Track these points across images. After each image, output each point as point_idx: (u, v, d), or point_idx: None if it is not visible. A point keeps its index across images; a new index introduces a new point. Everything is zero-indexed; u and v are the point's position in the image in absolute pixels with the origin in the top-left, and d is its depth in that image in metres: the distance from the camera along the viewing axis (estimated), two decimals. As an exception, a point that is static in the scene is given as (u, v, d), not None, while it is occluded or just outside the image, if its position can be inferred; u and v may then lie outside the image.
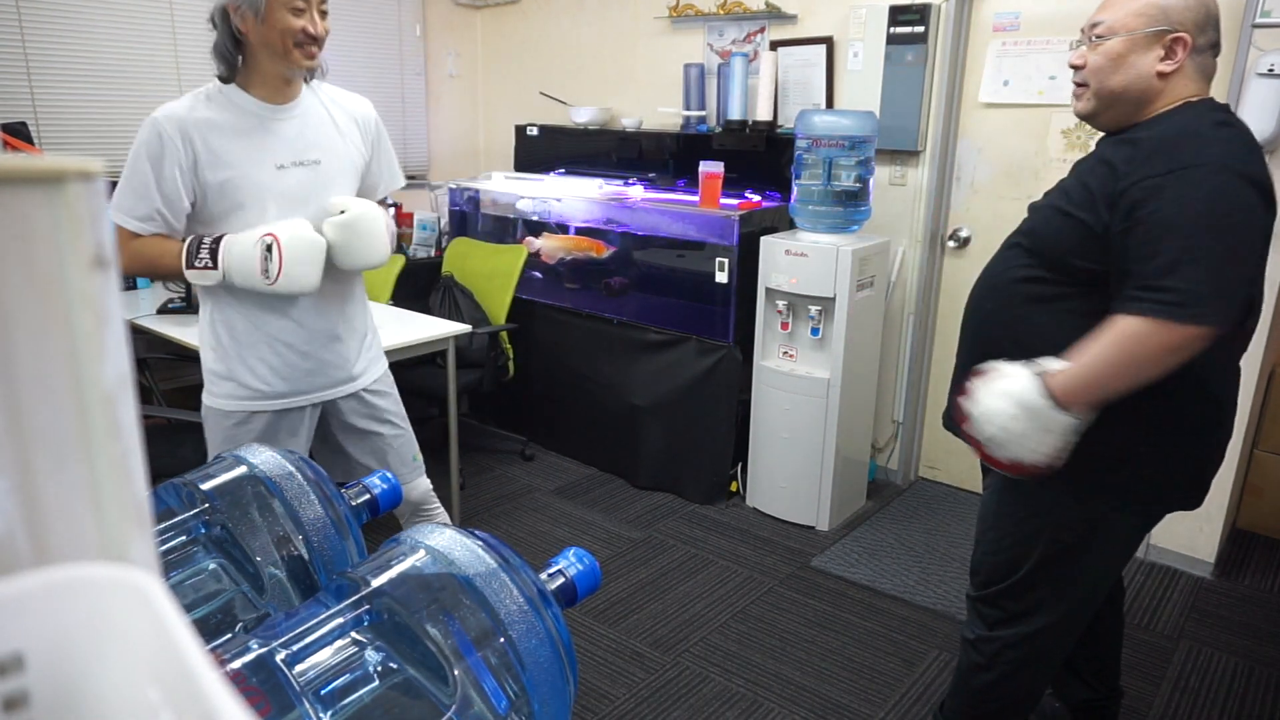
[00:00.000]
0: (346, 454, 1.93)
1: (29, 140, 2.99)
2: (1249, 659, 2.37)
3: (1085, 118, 1.48)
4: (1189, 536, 2.82)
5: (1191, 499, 1.51)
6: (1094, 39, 1.42)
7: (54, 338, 0.29)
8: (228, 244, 1.60)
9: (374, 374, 1.93)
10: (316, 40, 1.63)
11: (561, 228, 3.56)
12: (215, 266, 1.59)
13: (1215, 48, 1.41)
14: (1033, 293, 1.47)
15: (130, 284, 3.28)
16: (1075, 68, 1.46)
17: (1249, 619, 2.57)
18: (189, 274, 1.61)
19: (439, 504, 2.09)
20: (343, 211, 1.69)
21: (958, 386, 1.54)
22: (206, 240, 1.62)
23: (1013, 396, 1.36)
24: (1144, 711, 2.16)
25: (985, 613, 1.65)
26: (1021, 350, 1.45)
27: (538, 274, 3.70)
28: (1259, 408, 2.87)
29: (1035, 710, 2.08)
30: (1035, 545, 1.54)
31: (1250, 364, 2.62)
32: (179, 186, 1.60)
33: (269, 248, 1.57)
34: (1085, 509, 1.49)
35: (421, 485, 2.04)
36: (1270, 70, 2.39)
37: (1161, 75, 1.37)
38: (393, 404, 1.96)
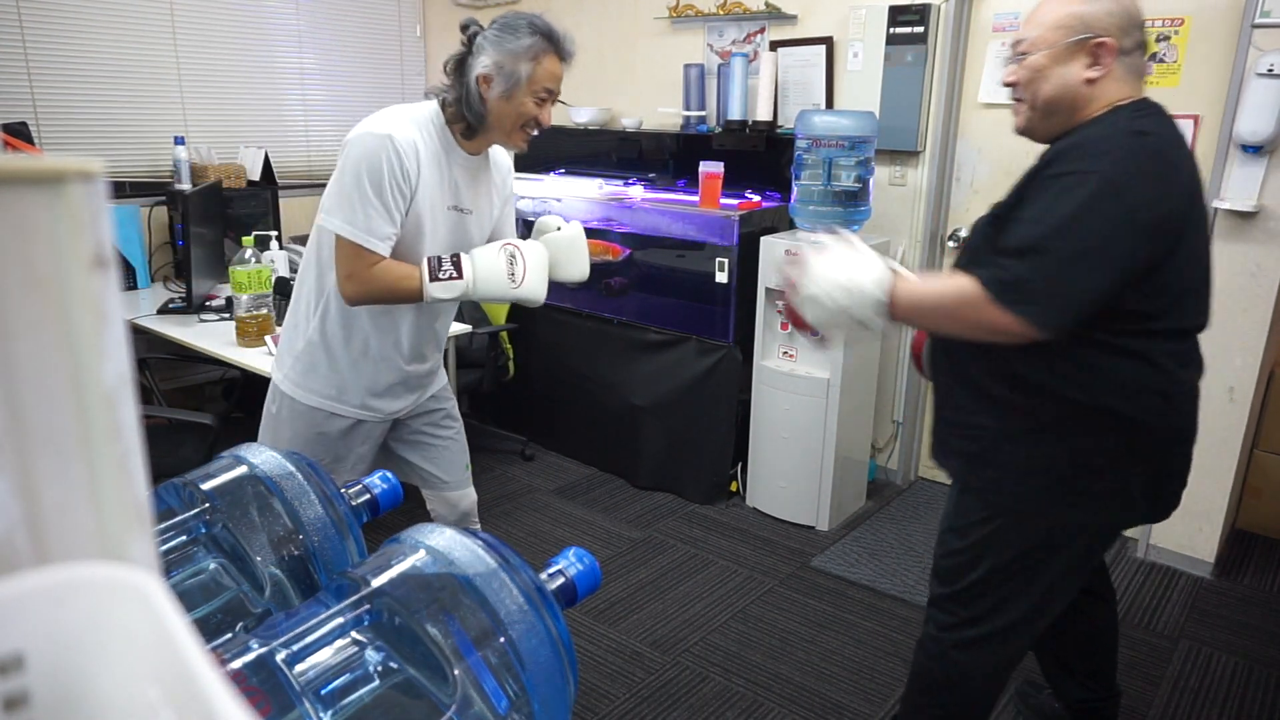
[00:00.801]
0: (399, 457, 1.97)
1: (29, 140, 2.99)
2: (1249, 659, 2.37)
3: (1024, 133, 1.50)
4: (1189, 536, 2.82)
5: (1152, 513, 1.50)
6: (1020, 56, 1.45)
7: (54, 338, 0.29)
8: (473, 255, 1.67)
9: (439, 384, 1.98)
10: (541, 128, 1.69)
11: (598, 234, 3.55)
12: (461, 277, 1.64)
13: (1142, 48, 1.42)
14: None
15: (130, 284, 3.28)
16: (1009, 85, 1.48)
17: (1249, 619, 2.57)
18: (432, 287, 1.62)
19: (478, 524, 2.11)
20: (559, 229, 1.83)
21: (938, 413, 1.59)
22: (446, 256, 1.66)
23: (855, 278, 1.41)
24: (1144, 711, 2.16)
25: (936, 615, 1.65)
26: (948, 358, 1.52)
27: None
28: (1259, 408, 2.87)
29: (1034, 707, 2.09)
30: (987, 552, 1.53)
31: (1250, 364, 2.63)
32: (404, 208, 1.63)
33: (513, 256, 1.65)
34: (1039, 519, 1.48)
35: (470, 496, 2.06)
36: (1270, 70, 2.39)
37: (1089, 82, 1.39)
38: (450, 411, 2.01)
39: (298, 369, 1.78)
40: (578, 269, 1.83)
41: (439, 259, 1.65)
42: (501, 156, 1.87)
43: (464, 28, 1.66)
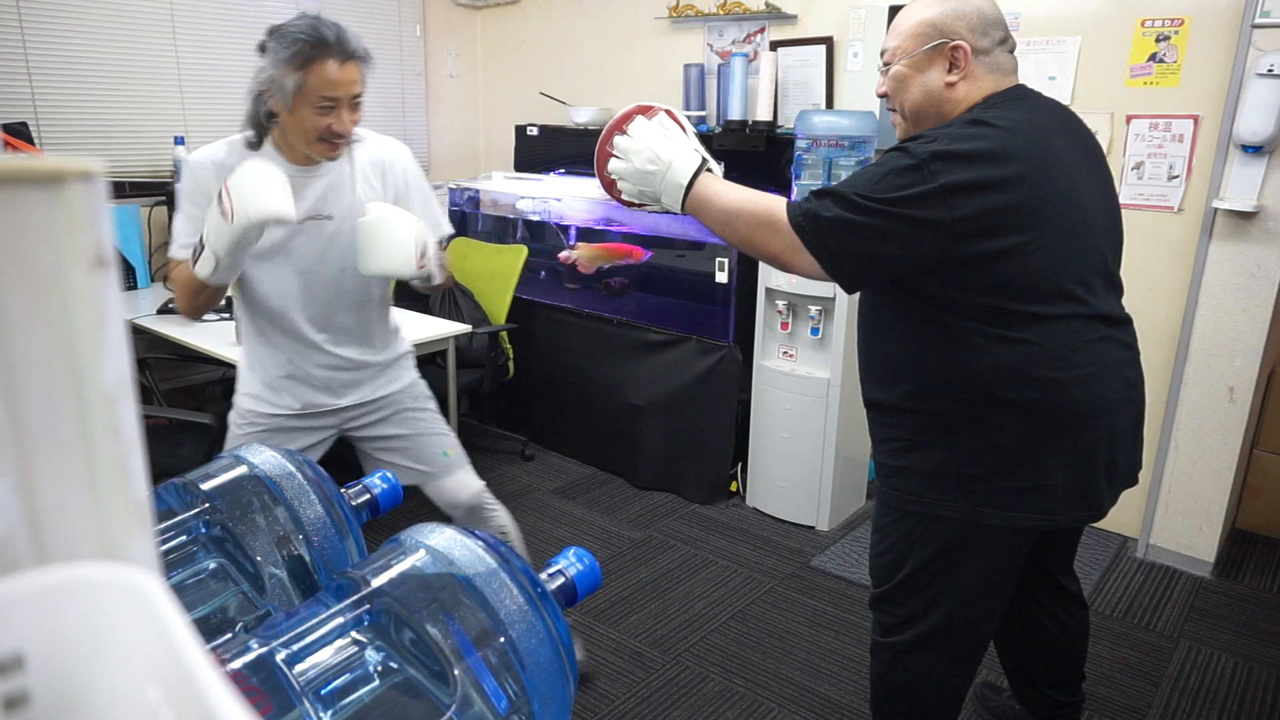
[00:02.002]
0: (375, 458, 1.98)
1: (29, 140, 2.99)
2: (1249, 659, 2.37)
3: (905, 140, 1.50)
4: (1189, 536, 2.82)
5: (1083, 509, 1.47)
6: (884, 67, 1.48)
7: (54, 338, 0.29)
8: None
9: (395, 384, 1.97)
10: (343, 136, 1.64)
11: (598, 235, 3.56)
12: (204, 247, 1.56)
13: (1005, 42, 1.44)
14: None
15: (130, 284, 3.28)
16: (881, 96, 1.51)
17: (1249, 619, 2.57)
18: (197, 268, 1.58)
19: (497, 505, 2.05)
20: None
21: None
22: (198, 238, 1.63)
23: (669, 160, 1.45)
24: (1144, 711, 2.16)
25: (878, 618, 1.65)
26: (869, 376, 1.58)
27: (540, 274, 3.71)
28: (1259, 408, 2.87)
29: (993, 710, 2.08)
30: (910, 550, 1.53)
31: (1250, 364, 2.63)
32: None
33: (219, 197, 1.51)
34: (955, 516, 1.47)
35: (468, 485, 2.00)
36: (1270, 70, 2.39)
37: (950, 85, 1.42)
38: (416, 406, 1.99)
39: (239, 383, 1.89)
40: (388, 260, 1.62)
41: (199, 241, 1.58)
42: (380, 149, 1.82)
43: (265, 33, 1.60)
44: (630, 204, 1.56)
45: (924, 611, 1.56)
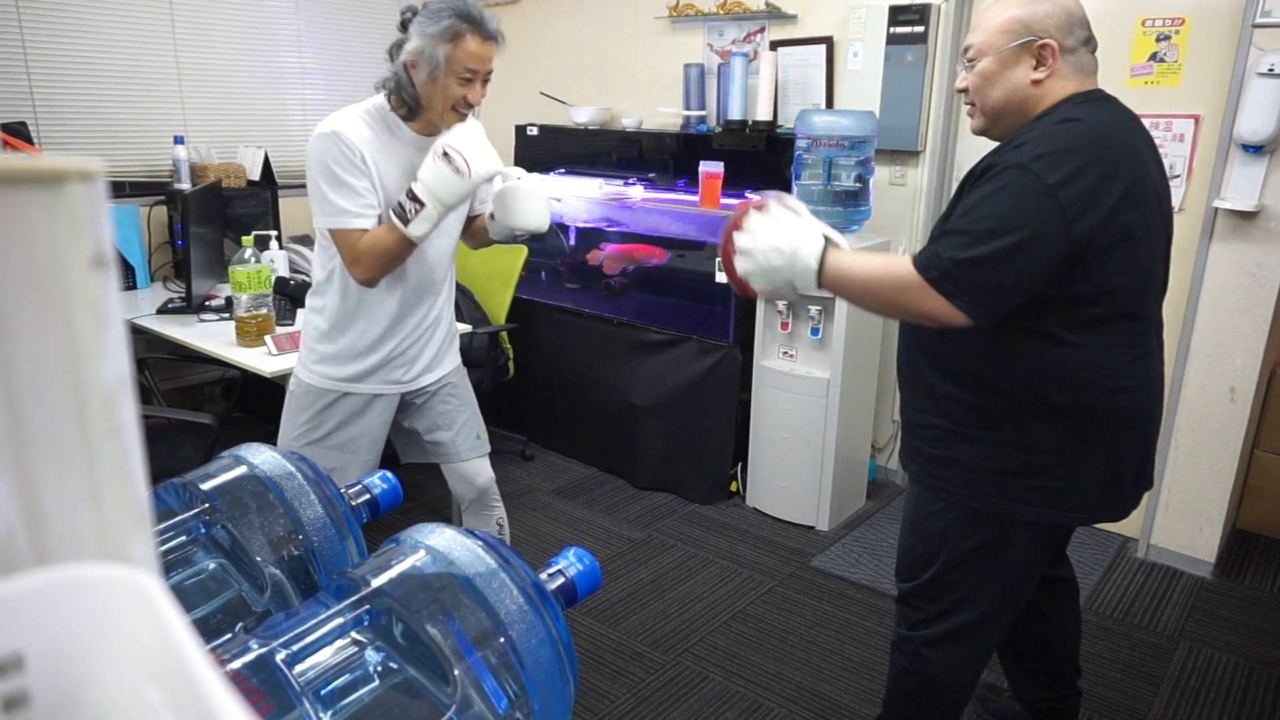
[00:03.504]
0: (408, 430, 2.07)
1: (29, 140, 2.99)
2: (1249, 659, 2.37)
3: (981, 133, 1.53)
4: (1189, 536, 2.82)
5: (1109, 510, 1.50)
6: (968, 63, 1.48)
7: (54, 338, 0.29)
8: (419, 178, 1.68)
9: (453, 362, 2.09)
10: (472, 107, 1.76)
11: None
12: (424, 204, 1.67)
13: (1089, 43, 1.45)
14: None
15: (130, 284, 3.28)
16: (961, 91, 1.52)
17: (1249, 619, 2.57)
18: (411, 228, 1.68)
19: (499, 500, 2.19)
20: (518, 179, 1.83)
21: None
22: (401, 199, 1.71)
23: (793, 246, 1.44)
24: (1144, 712, 2.16)
25: (905, 612, 1.67)
26: (907, 363, 1.57)
27: (540, 274, 3.71)
28: (1259, 408, 2.87)
29: (994, 710, 2.09)
30: (943, 545, 1.55)
31: (1250, 364, 2.63)
32: (370, 185, 1.74)
33: (446, 154, 1.65)
34: (991, 512, 1.49)
35: (487, 471, 2.14)
36: (1270, 70, 2.39)
37: (1036, 83, 1.42)
38: (460, 384, 2.10)
39: (311, 358, 1.93)
40: (534, 217, 1.82)
41: (399, 204, 1.70)
42: (469, 125, 1.91)
43: (402, 13, 1.74)
44: (765, 295, 1.55)
45: (956, 606, 1.58)
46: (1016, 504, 1.47)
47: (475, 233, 2.05)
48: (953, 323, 1.35)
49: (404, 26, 1.72)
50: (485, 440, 2.16)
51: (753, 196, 1.53)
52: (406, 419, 2.05)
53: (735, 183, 3.31)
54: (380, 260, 1.74)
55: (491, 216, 1.89)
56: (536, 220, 1.82)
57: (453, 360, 2.09)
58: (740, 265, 1.50)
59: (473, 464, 2.12)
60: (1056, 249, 1.31)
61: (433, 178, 1.66)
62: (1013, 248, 1.30)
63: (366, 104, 1.79)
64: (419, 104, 1.75)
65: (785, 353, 3.07)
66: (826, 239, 1.46)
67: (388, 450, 2.05)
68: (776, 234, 1.46)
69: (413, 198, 1.68)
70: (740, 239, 1.49)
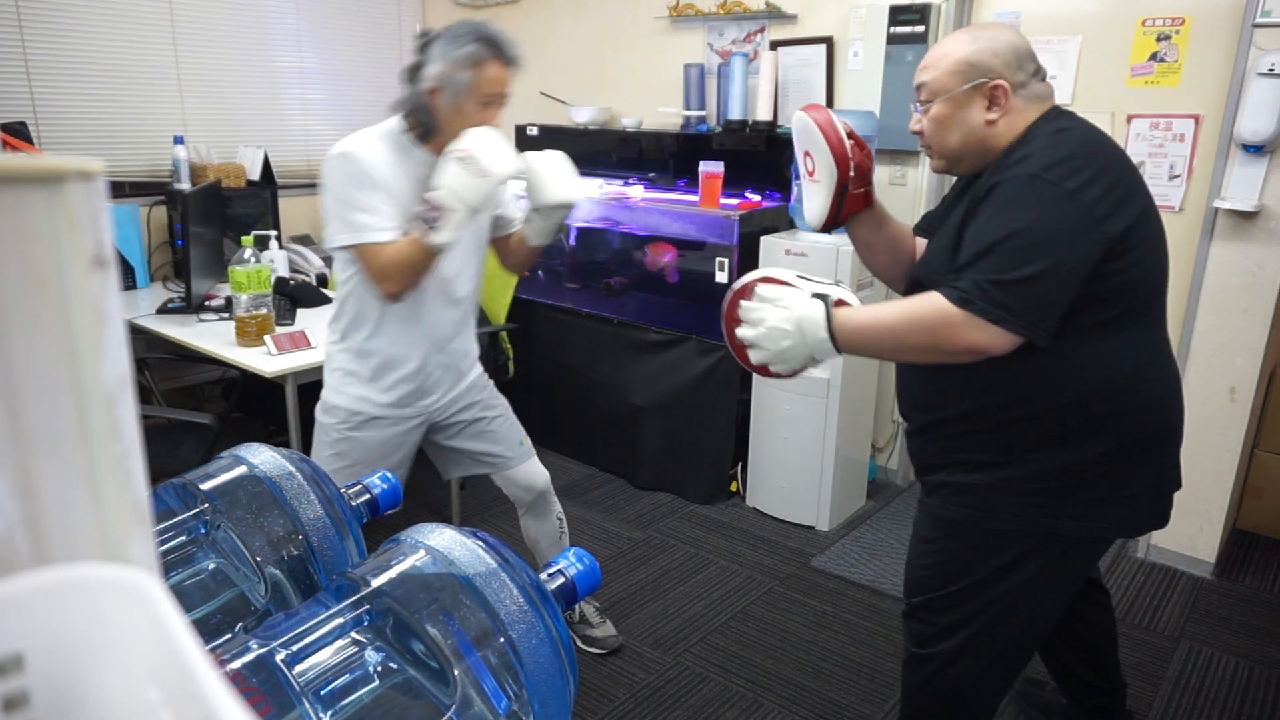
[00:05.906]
0: (453, 450, 2.08)
1: (29, 140, 2.99)
2: (1249, 659, 2.37)
3: (944, 173, 1.52)
4: (1189, 536, 2.82)
5: (1157, 521, 1.48)
6: (923, 104, 1.45)
7: (54, 338, 0.29)
8: (439, 185, 1.67)
9: (475, 374, 2.10)
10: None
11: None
12: (447, 208, 1.67)
13: (1038, 74, 1.43)
14: None
15: (130, 284, 3.28)
16: (915, 133, 1.49)
17: (1249, 619, 2.57)
18: (436, 236, 1.67)
19: (556, 498, 2.23)
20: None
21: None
22: (422, 208, 1.70)
23: (796, 322, 1.39)
24: (1144, 712, 2.16)
25: (914, 629, 1.60)
26: (926, 397, 1.51)
27: (540, 274, 3.70)
28: (1259, 408, 2.87)
29: (1041, 707, 2.09)
30: (970, 561, 1.49)
31: (1250, 364, 2.63)
32: (388, 200, 1.74)
33: (465, 159, 1.65)
34: (1029, 530, 1.44)
35: (543, 473, 2.17)
36: (1270, 70, 2.39)
37: (991, 123, 1.40)
38: (491, 394, 2.12)
39: (335, 379, 1.92)
40: (566, 188, 1.83)
41: (420, 215, 1.70)
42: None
43: (418, 37, 1.75)
44: (794, 375, 1.49)
45: (970, 620, 1.52)
46: (1062, 520, 1.42)
47: (513, 249, 2.04)
48: (998, 351, 1.29)
49: (422, 50, 1.72)
50: (529, 442, 2.18)
51: (734, 285, 1.48)
52: (448, 438, 2.06)
53: (735, 183, 3.31)
54: (406, 272, 1.72)
55: (527, 220, 1.91)
56: (569, 191, 1.83)
57: (474, 371, 2.10)
58: (754, 357, 1.45)
59: (528, 468, 2.14)
60: (1095, 250, 1.29)
61: (455, 180, 1.66)
62: (1054, 259, 1.26)
63: (380, 127, 1.79)
64: (437, 127, 1.75)
65: (785, 353, 3.07)
66: (825, 298, 1.39)
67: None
68: (774, 315, 1.40)
69: (435, 204, 1.67)
70: (742, 332, 1.44)
